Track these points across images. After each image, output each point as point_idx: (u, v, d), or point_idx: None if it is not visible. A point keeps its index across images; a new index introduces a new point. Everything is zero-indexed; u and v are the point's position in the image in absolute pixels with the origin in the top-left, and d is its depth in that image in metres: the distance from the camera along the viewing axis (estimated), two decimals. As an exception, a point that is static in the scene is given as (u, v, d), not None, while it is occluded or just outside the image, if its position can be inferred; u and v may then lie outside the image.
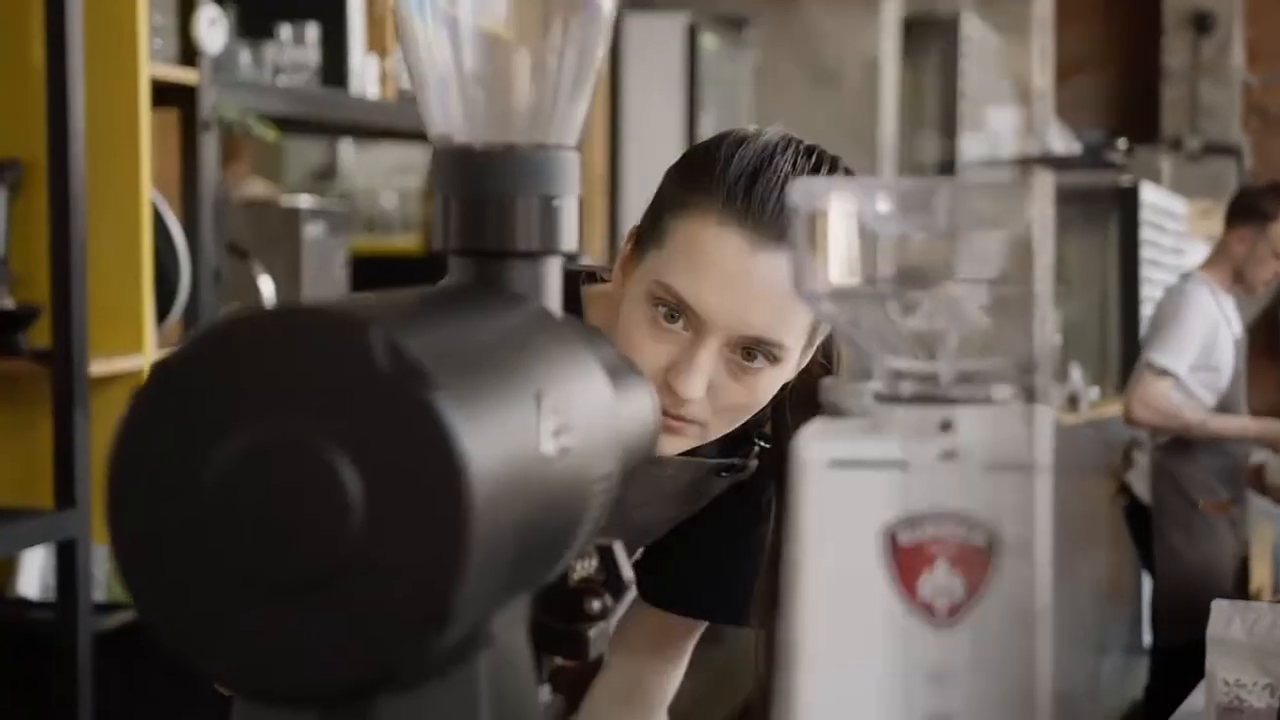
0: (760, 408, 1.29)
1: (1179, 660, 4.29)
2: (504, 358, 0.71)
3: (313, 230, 3.06)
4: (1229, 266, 4.24)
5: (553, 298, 0.84)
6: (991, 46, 8.03)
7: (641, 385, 0.90)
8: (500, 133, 0.84)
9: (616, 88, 4.75)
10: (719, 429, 1.29)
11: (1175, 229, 7.75)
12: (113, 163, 2.47)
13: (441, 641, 0.63)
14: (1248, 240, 4.19)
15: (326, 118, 3.16)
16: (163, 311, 2.60)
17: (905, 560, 0.70)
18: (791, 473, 0.72)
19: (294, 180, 4.77)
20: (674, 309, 1.25)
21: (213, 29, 2.65)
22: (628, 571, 0.94)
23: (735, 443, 1.40)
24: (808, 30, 5.47)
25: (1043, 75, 5.61)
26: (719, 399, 1.26)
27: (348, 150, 5.11)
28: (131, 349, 2.50)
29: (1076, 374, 6.51)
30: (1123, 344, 7.30)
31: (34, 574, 2.68)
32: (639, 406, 0.87)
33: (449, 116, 0.85)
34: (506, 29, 0.85)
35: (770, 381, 1.27)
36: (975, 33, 7.55)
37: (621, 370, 0.88)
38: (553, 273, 0.84)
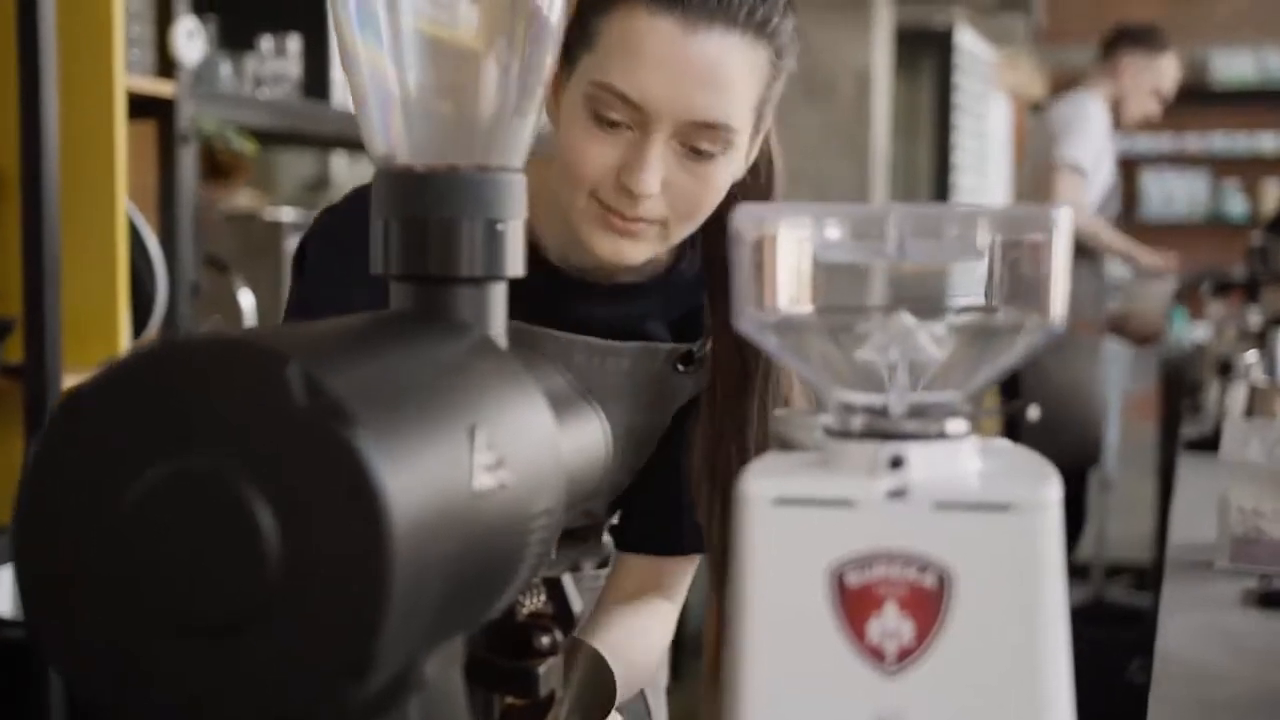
0: (717, 199, 1.27)
1: None
2: (436, 390, 0.68)
3: (294, 244, 3.02)
4: (1108, 95, 4.38)
5: (497, 324, 0.81)
6: (985, 58, 8.03)
7: (590, 413, 0.87)
8: (443, 154, 0.82)
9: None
10: (679, 230, 1.27)
11: (982, 77, 7.86)
12: (88, 174, 2.44)
13: (364, 688, 0.60)
14: (1132, 72, 4.33)
15: (308, 130, 3.14)
16: (139, 325, 2.58)
17: (853, 602, 0.67)
18: (735, 510, 0.69)
19: (286, 191, 4.74)
20: (614, 108, 1.22)
21: (191, 41, 2.62)
22: (577, 604, 0.92)
23: (687, 329, 1.39)
24: (801, 42, 5.43)
25: None
26: (674, 194, 1.24)
27: (340, 161, 5.08)
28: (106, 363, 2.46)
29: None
30: (936, 192, 7.37)
31: (6, 591, 2.65)
32: (586, 436, 0.85)
33: (390, 137, 0.82)
34: (450, 44, 0.82)
35: (723, 171, 1.25)
36: (969, 44, 7.54)
37: (569, 399, 0.85)
38: (498, 298, 0.82)
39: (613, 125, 1.22)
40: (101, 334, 2.46)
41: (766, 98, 1.26)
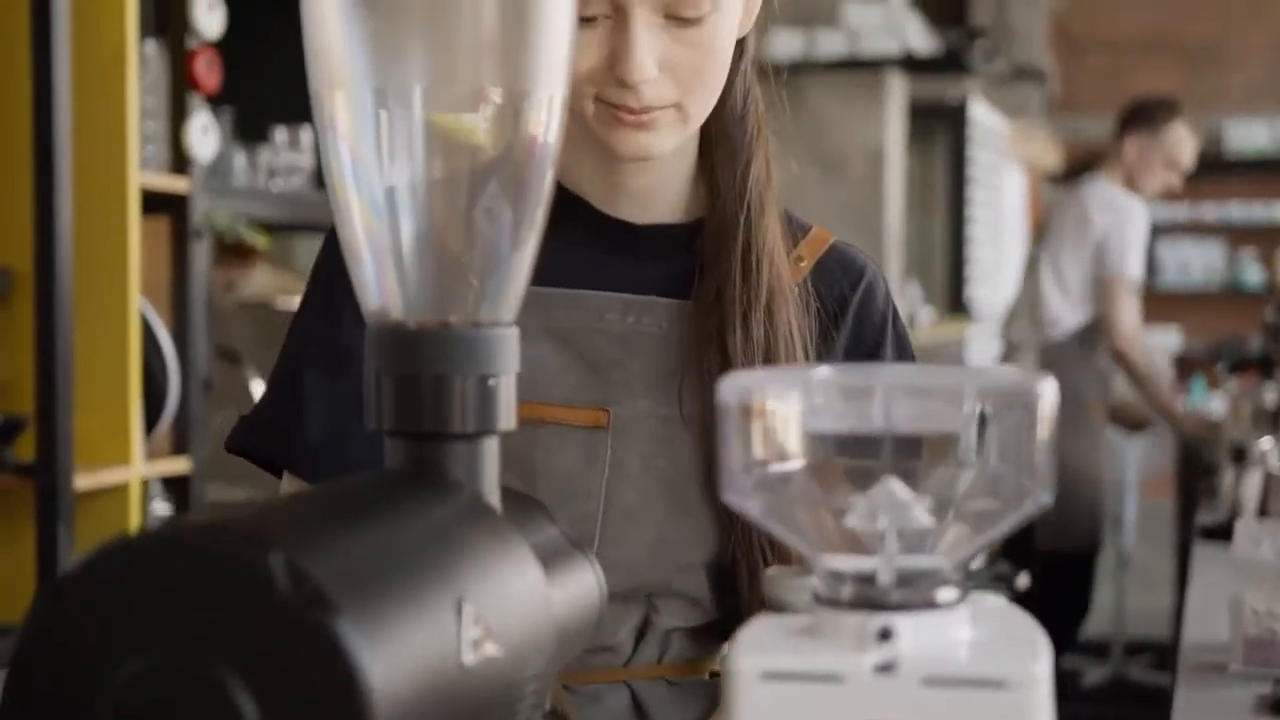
0: (724, 63, 1.19)
1: (1058, 566, 4.30)
2: (423, 564, 0.68)
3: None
4: (1121, 174, 4.40)
5: (489, 479, 0.81)
6: (999, 130, 8.06)
7: (583, 563, 0.87)
8: (436, 309, 0.82)
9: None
10: (697, 107, 1.18)
11: (996, 148, 7.88)
12: (101, 272, 2.46)
13: None
14: (1141, 148, 4.36)
15: (321, 221, 3.16)
16: (151, 422, 2.58)
17: (842, 779, 0.66)
18: (723, 683, 0.68)
19: (302, 269, 4.77)
20: (584, 3, 1.14)
21: (205, 137, 2.64)
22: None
23: None
24: (814, 119, 5.47)
25: None
26: (676, 71, 1.16)
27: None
28: (119, 461, 2.47)
29: (915, 293, 6.47)
30: (949, 265, 7.36)
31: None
32: (579, 587, 0.84)
33: (384, 292, 0.82)
34: (443, 199, 0.83)
35: (721, 30, 1.17)
36: (982, 116, 7.57)
37: (561, 551, 0.85)
38: (490, 453, 0.81)
39: (589, 21, 1.15)
40: (113, 433, 2.47)
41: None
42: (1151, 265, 10.12)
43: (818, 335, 1.26)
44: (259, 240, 2.80)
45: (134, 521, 2.51)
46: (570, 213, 1.25)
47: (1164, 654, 5.40)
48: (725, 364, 1.20)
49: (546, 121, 0.82)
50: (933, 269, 7.42)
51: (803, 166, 4.27)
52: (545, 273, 1.24)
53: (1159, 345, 10.00)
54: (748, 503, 0.71)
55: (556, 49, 0.81)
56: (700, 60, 1.16)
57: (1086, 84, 10.13)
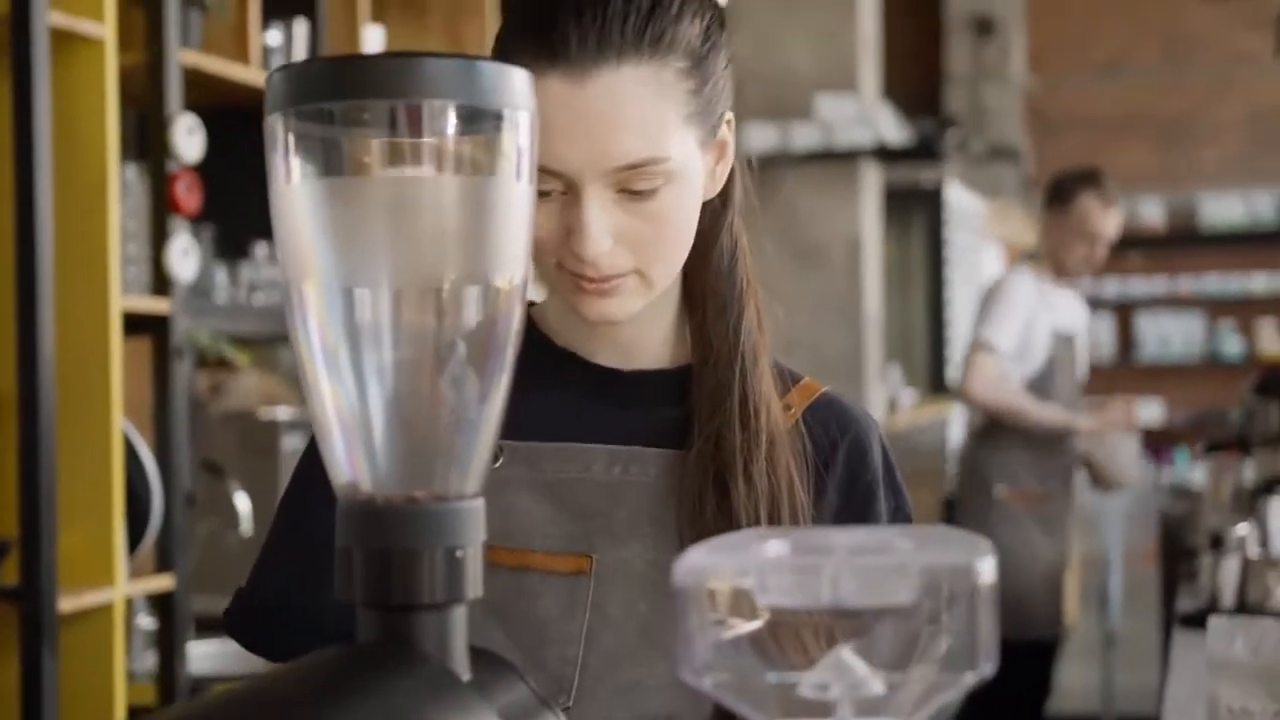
0: (684, 230, 1.19)
1: (1018, 653, 4.26)
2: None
3: (291, 442, 3.07)
4: (1048, 255, 4.41)
5: (458, 646, 0.84)
6: (975, 210, 8.15)
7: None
8: (404, 483, 0.85)
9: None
10: (657, 273, 1.19)
11: (973, 229, 7.93)
12: (84, 395, 2.49)
13: None
14: (1056, 225, 4.37)
15: (302, 332, 3.18)
16: (134, 540, 2.60)
17: None
18: None
19: (287, 371, 4.80)
20: (537, 180, 1.18)
21: (186, 259, 2.68)
22: None
23: None
24: (791, 210, 5.54)
25: (868, 60, 5.61)
26: (631, 242, 1.16)
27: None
28: (103, 582, 2.49)
29: (896, 375, 6.50)
30: (930, 346, 7.39)
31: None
32: (550, 749, 0.87)
33: (352, 467, 0.85)
34: (410, 376, 0.86)
35: (674, 203, 1.17)
36: (957, 198, 7.66)
37: (531, 712, 0.88)
38: (458, 620, 0.84)
39: (544, 195, 1.16)
40: (97, 554, 2.48)
41: (697, 109, 1.19)
42: (1130, 339, 10.23)
43: (812, 482, 1.26)
44: (240, 358, 2.83)
45: (118, 642, 2.52)
46: (560, 366, 1.28)
47: (1154, 733, 5.40)
48: (730, 513, 1.21)
49: (508, 304, 0.86)
50: (913, 350, 7.47)
51: (780, 257, 4.31)
52: (536, 426, 1.28)
53: (1141, 416, 10.09)
54: (703, 678, 0.74)
55: (516, 238, 0.85)
56: (655, 231, 1.16)
57: (1061, 162, 10.20)
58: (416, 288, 0.84)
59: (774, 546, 0.77)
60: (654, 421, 1.27)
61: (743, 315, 1.26)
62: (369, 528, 0.83)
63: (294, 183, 0.84)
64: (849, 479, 1.29)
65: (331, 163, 0.84)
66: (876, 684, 0.74)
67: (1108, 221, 4.35)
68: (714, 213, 1.25)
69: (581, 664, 1.21)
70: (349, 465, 0.85)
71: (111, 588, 2.50)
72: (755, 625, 0.75)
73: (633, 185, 1.15)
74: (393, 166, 0.92)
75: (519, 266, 0.86)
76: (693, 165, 1.19)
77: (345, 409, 0.85)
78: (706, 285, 1.27)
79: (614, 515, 1.24)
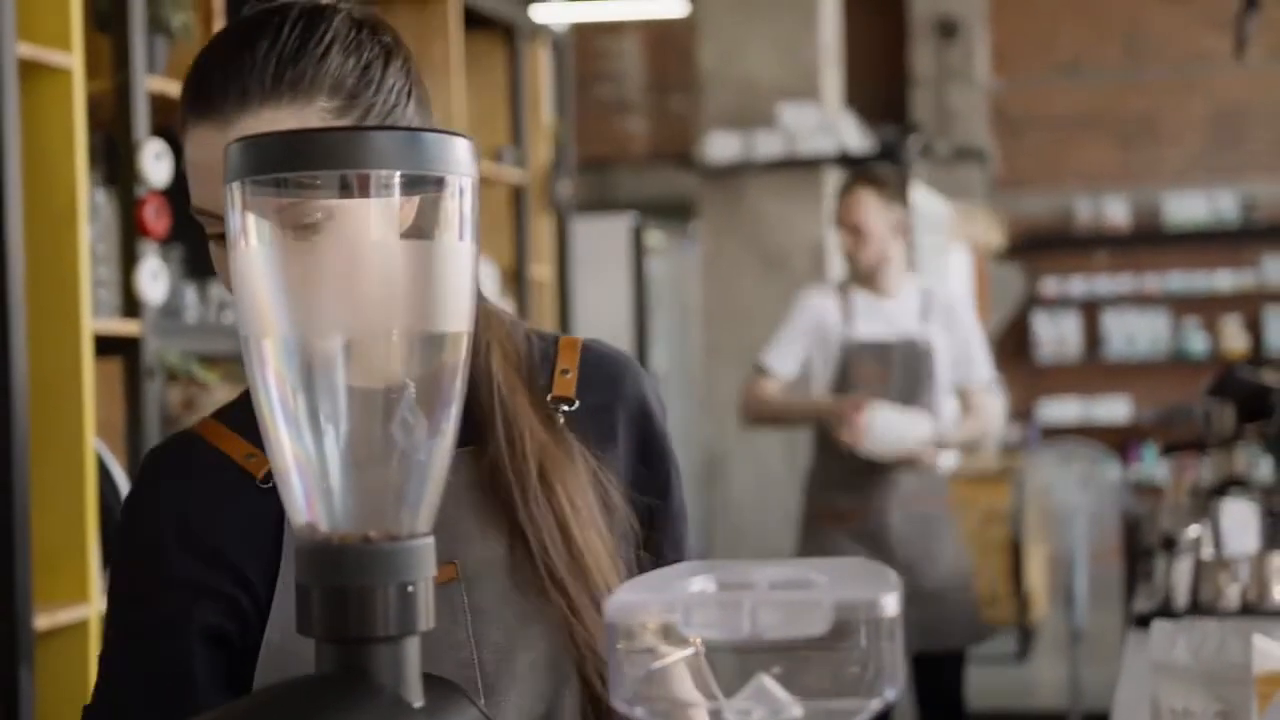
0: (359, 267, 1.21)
1: (928, 664, 4.18)
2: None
3: (261, 457, 3.11)
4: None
5: (411, 675, 0.90)
6: (942, 212, 8.23)
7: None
8: (359, 523, 0.91)
9: (565, 286, 4.86)
10: None
11: (939, 231, 8.02)
12: (56, 416, 2.53)
13: None
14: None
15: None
16: (108, 556, 2.65)
17: None
18: None
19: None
20: (213, 225, 1.21)
21: (155, 281, 2.73)
22: None
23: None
24: (754, 217, 5.60)
25: (830, 69, 5.62)
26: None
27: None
28: (77, 600, 2.54)
29: None
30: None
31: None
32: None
33: (310, 509, 0.91)
34: (361, 428, 0.92)
35: (351, 237, 1.13)
36: (924, 201, 7.74)
37: (480, 737, 0.94)
38: (411, 651, 0.91)
39: (219, 238, 1.21)
40: (72, 574, 2.53)
41: None
42: (1096, 337, 10.34)
43: (598, 447, 1.31)
44: (209, 378, 2.89)
45: (92, 657, 2.57)
46: None
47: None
48: (525, 544, 1.26)
49: (454, 352, 0.92)
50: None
51: (745, 264, 4.36)
52: None
53: (1108, 414, 10.20)
54: (634, 707, 0.80)
55: (460, 292, 0.91)
56: (344, 270, 1.18)
57: (1027, 162, 10.34)
58: (367, 341, 0.90)
59: (698, 583, 0.83)
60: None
61: (490, 351, 1.30)
62: (326, 566, 0.90)
63: (251, 245, 0.90)
64: (641, 429, 1.35)
65: (285, 227, 0.91)
66: (795, 709, 0.80)
67: (863, 213, 4.06)
68: None
69: (479, 664, 1.26)
70: (306, 507, 0.92)
71: (86, 604, 2.55)
72: (681, 655, 0.82)
73: (300, 223, 1.11)
74: (343, 230, 0.98)
75: (463, 317, 0.92)
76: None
77: (302, 454, 0.91)
78: None
79: (460, 518, 1.28)
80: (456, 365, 0.92)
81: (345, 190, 0.90)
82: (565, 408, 1.31)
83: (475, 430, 1.29)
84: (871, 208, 4.04)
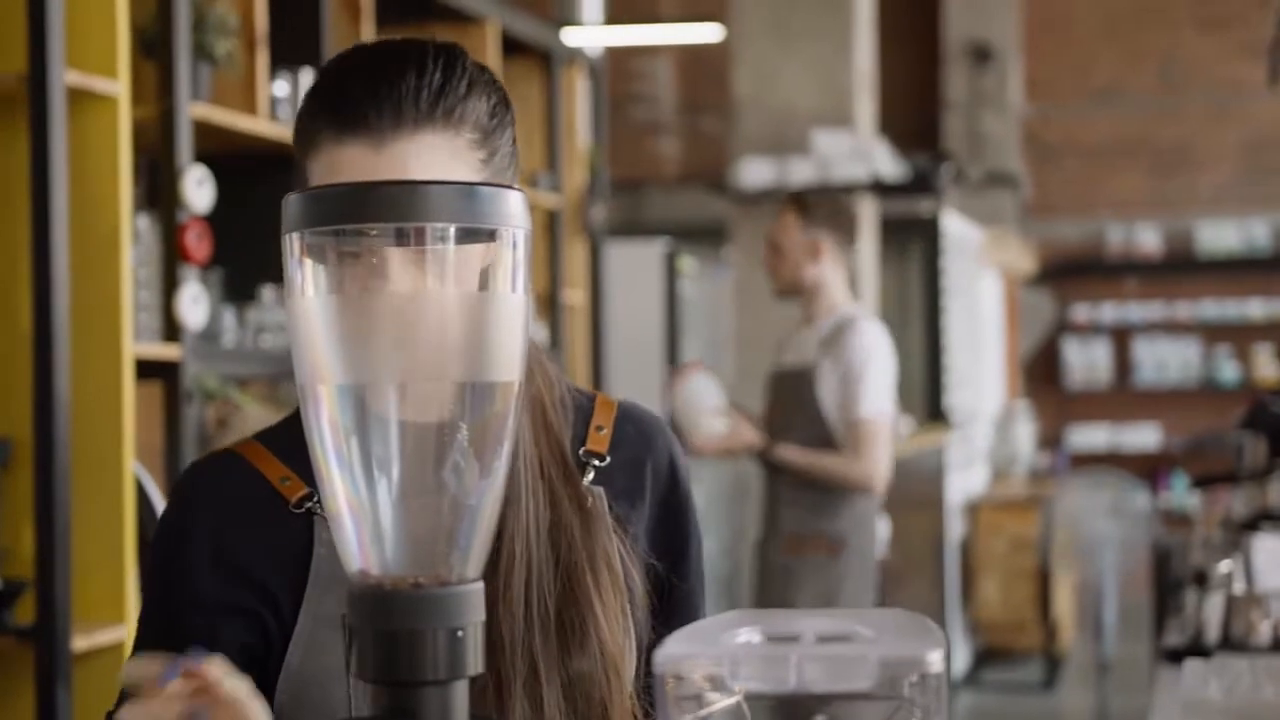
0: None
1: None
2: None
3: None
4: None
5: (460, 717, 0.92)
6: (973, 238, 8.23)
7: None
8: (410, 568, 0.93)
9: (598, 311, 4.87)
10: None
11: (970, 257, 8.00)
12: (97, 439, 2.56)
13: None
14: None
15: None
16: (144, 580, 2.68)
17: None
18: None
19: (292, 401, 4.86)
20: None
21: (195, 306, 2.76)
22: None
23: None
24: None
25: (864, 96, 5.62)
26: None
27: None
28: (114, 620, 2.56)
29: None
30: (928, 372, 7.45)
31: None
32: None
33: (363, 555, 0.93)
34: (414, 478, 0.94)
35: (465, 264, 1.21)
36: (955, 227, 7.74)
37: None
38: (460, 695, 0.92)
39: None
40: (109, 593, 2.56)
41: (487, 178, 1.25)
42: (1128, 363, 10.32)
43: (626, 503, 1.34)
44: (244, 401, 2.91)
45: (130, 678, 2.59)
46: None
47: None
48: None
49: (505, 400, 0.94)
50: (911, 379, 7.53)
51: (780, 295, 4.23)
52: None
53: (1137, 441, 10.16)
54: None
55: (512, 342, 0.93)
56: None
57: (1059, 188, 10.33)
58: (421, 389, 0.92)
59: (744, 634, 0.85)
60: None
61: (530, 404, 1.32)
62: (377, 611, 0.91)
63: (308, 295, 0.92)
64: (666, 493, 1.37)
65: (343, 277, 0.93)
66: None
67: (781, 232, 4.07)
68: None
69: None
70: (359, 553, 0.93)
71: (123, 626, 2.57)
72: (726, 704, 0.83)
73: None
74: (399, 281, 1.00)
75: (515, 366, 0.94)
76: None
77: (356, 501, 0.93)
78: None
79: None
80: (507, 412, 0.94)
81: (402, 241, 0.92)
82: (596, 463, 1.33)
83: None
84: (789, 228, 4.06)
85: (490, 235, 0.92)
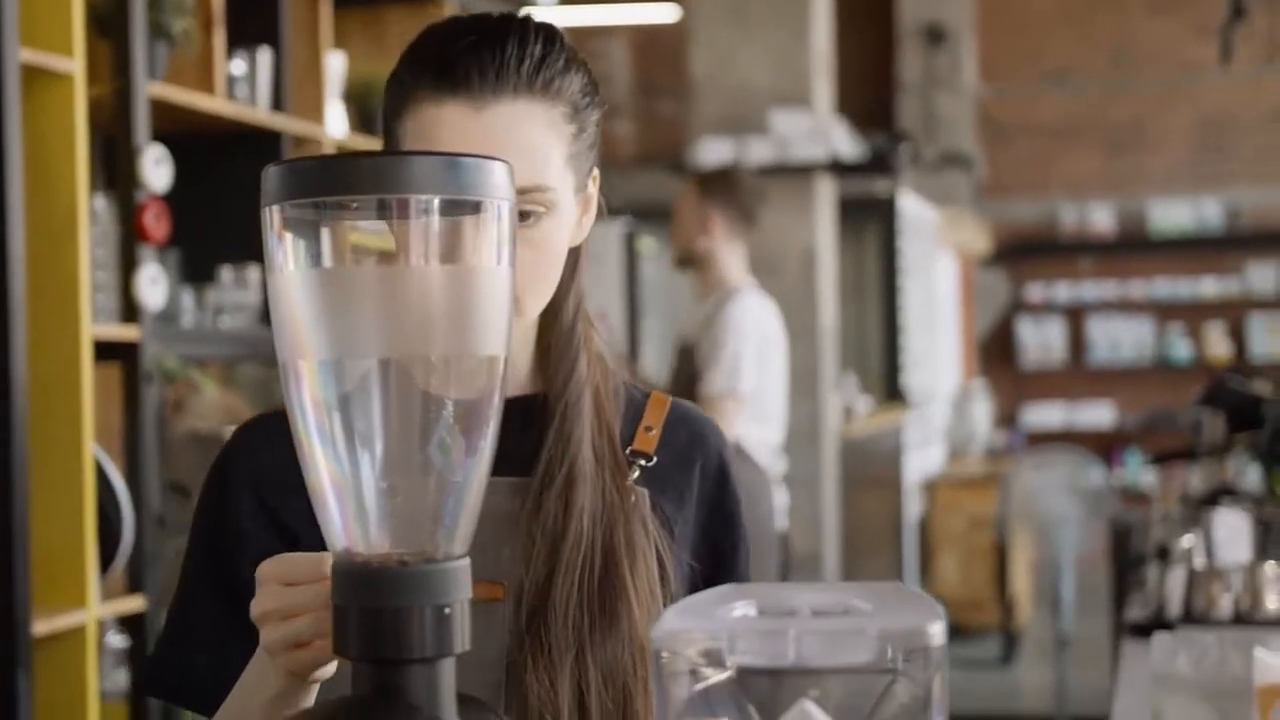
0: (555, 264, 1.26)
1: None
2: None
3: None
4: None
5: (447, 696, 0.90)
6: (928, 218, 8.25)
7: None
8: (395, 545, 0.91)
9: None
10: (532, 304, 1.26)
11: (926, 237, 8.04)
12: (56, 422, 2.53)
13: None
14: None
15: (266, 354, 3.24)
16: (106, 561, 2.65)
17: None
18: None
19: (249, 389, 4.82)
20: None
21: (154, 287, 2.73)
22: None
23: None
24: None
25: (821, 76, 5.64)
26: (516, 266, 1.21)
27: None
28: (75, 605, 2.53)
29: (851, 384, 6.59)
30: (885, 354, 7.51)
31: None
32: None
33: (347, 532, 0.92)
34: (398, 448, 0.92)
35: (553, 234, 1.25)
36: (911, 208, 7.76)
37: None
38: (447, 672, 0.91)
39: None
40: (70, 575, 2.53)
41: (576, 152, 1.27)
42: (1082, 342, 10.38)
43: (671, 504, 1.33)
44: (206, 384, 2.88)
45: (91, 663, 2.56)
46: None
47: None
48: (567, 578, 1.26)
49: (490, 375, 0.92)
50: (869, 359, 7.56)
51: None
52: None
53: (1092, 419, 10.23)
54: (680, 731, 0.81)
55: (497, 315, 0.91)
56: (534, 257, 1.23)
57: (1013, 169, 10.36)
58: (404, 364, 0.90)
59: (741, 608, 0.84)
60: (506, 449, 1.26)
61: (576, 364, 1.32)
62: (363, 588, 0.90)
63: (289, 269, 0.90)
64: (714, 495, 1.37)
65: (324, 251, 0.91)
66: (837, 733, 0.80)
67: (679, 203, 4.20)
68: (571, 264, 1.32)
69: (506, 686, 1.24)
70: (344, 531, 0.92)
71: (84, 609, 2.54)
72: (724, 678, 0.82)
73: (519, 208, 1.17)
74: (381, 254, 0.98)
75: (500, 340, 0.92)
76: (568, 205, 1.27)
77: (340, 478, 0.91)
78: (553, 331, 1.33)
79: (515, 542, 1.27)
80: (494, 387, 0.92)
81: (384, 214, 0.90)
82: (643, 463, 1.32)
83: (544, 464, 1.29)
84: (687, 200, 4.14)
85: (475, 207, 0.91)
